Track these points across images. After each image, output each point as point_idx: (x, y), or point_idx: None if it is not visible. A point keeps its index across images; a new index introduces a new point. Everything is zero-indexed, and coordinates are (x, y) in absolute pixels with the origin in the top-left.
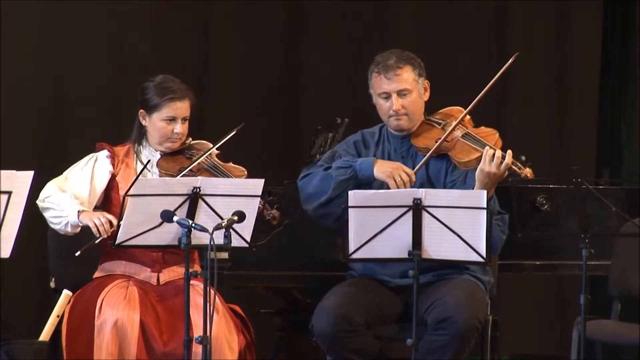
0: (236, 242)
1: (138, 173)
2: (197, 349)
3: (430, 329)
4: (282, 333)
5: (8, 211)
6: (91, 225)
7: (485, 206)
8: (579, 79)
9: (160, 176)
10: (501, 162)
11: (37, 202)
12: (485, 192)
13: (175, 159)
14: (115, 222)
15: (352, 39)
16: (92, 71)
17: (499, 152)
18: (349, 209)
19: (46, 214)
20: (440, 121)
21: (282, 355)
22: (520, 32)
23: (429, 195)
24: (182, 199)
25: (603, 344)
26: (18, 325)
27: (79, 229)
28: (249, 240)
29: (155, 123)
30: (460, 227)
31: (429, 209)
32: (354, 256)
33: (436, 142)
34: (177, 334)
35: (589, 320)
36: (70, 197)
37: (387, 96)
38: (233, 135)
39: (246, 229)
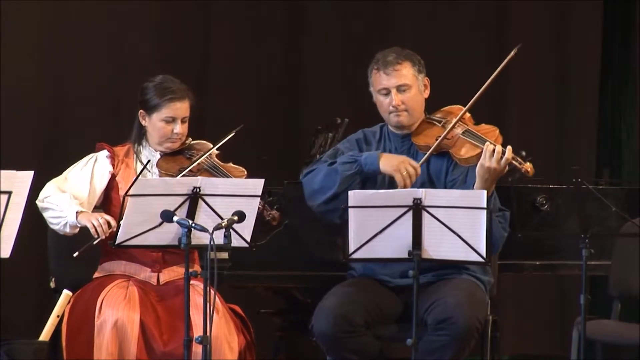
0: (236, 242)
1: (138, 173)
2: (197, 349)
3: (430, 329)
4: (282, 333)
5: (8, 211)
6: (89, 226)
7: (485, 206)
8: (579, 79)
9: (160, 176)
10: (501, 158)
11: (37, 202)
12: (485, 192)
13: (175, 159)
14: (113, 223)
15: (352, 39)
16: (92, 71)
17: (499, 148)
18: (349, 209)
19: (45, 214)
20: (441, 119)
21: (282, 355)
22: (520, 32)
23: (429, 195)
24: (182, 199)
25: (603, 344)
26: (18, 325)
27: (78, 229)
28: (249, 240)
29: (155, 123)
30: (460, 227)
31: (429, 209)
32: (354, 256)
33: (437, 139)
34: (177, 334)
35: (589, 320)
36: (70, 198)
37: (387, 92)
38: (232, 136)
39: (246, 229)
